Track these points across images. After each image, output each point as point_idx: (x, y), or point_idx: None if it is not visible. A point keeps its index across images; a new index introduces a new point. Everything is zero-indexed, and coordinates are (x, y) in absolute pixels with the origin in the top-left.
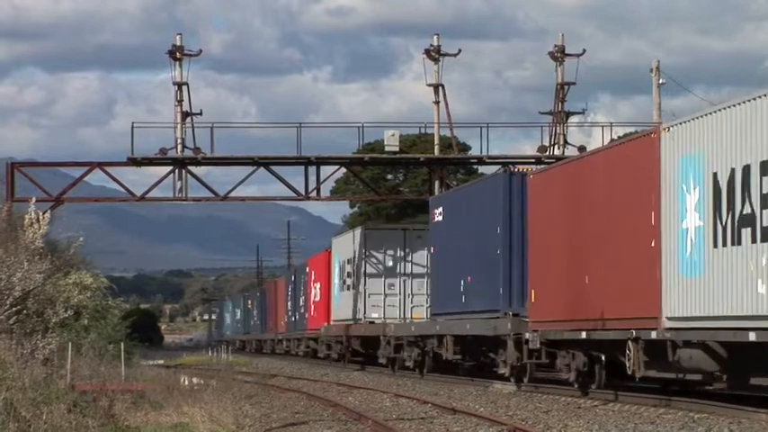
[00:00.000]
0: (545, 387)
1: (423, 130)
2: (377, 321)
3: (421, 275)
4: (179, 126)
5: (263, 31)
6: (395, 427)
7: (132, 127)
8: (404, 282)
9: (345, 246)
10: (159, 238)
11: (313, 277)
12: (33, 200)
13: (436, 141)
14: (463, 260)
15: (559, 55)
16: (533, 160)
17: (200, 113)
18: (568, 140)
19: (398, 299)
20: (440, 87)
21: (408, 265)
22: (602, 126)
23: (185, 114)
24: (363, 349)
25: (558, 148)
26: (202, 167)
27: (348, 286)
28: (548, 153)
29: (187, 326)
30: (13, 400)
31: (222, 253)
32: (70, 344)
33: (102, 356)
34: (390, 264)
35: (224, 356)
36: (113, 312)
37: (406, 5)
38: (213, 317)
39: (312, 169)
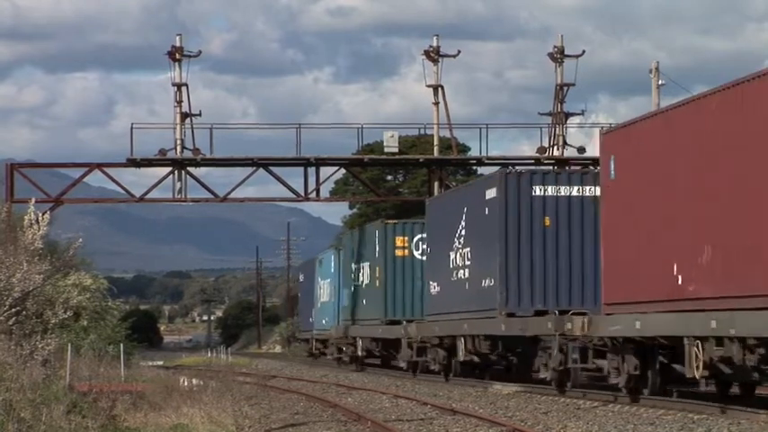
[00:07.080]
0: None
1: (422, 131)
2: None
3: None
4: (178, 127)
5: (264, 31)
6: (394, 428)
7: (131, 128)
8: None
9: None
10: (158, 238)
11: None
12: (33, 201)
13: (435, 142)
14: None
15: (559, 56)
16: (532, 161)
17: (200, 114)
18: (568, 141)
19: None
20: (439, 88)
21: None
22: (602, 127)
23: (185, 115)
24: None
25: (558, 149)
26: (202, 168)
27: None
28: (547, 154)
29: (186, 327)
30: (12, 402)
31: (221, 254)
32: (69, 345)
33: (101, 357)
34: None
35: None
36: (113, 313)
37: (407, 6)
38: (211, 317)
39: (311, 170)
